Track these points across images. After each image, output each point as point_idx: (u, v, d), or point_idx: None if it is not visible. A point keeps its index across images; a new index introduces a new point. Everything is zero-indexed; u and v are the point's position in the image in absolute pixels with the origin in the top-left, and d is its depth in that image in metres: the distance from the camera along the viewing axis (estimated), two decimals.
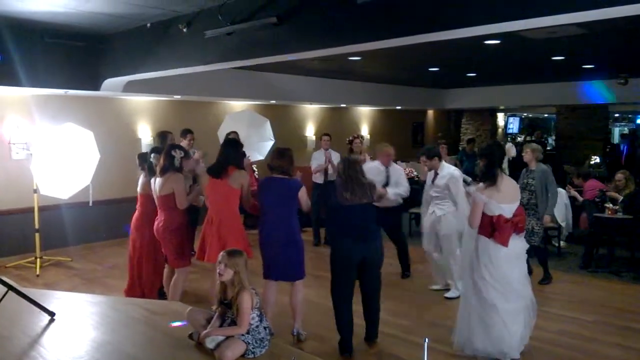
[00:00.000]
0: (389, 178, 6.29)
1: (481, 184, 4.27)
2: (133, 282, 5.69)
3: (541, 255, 6.47)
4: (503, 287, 4.19)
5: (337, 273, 4.41)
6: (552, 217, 6.31)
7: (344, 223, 4.37)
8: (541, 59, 8.65)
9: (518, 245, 4.31)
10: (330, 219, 4.59)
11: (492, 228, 4.19)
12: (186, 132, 7.34)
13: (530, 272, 6.48)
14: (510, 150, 4.71)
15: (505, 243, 4.18)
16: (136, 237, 5.63)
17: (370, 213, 4.41)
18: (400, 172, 6.44)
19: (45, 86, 6.62)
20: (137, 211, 5.71)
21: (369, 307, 4.55)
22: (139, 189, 5.67)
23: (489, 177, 4.23)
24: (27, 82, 6.23)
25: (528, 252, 4.49)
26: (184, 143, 6.99)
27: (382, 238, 4.54)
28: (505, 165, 4.47)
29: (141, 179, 5.65)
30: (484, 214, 4.23)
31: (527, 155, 6.46)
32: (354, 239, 4.31)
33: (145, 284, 5.63)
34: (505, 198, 4.20)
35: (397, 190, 6.20)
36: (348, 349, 4.40)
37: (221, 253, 3.47)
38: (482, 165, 4.39)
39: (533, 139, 16.06)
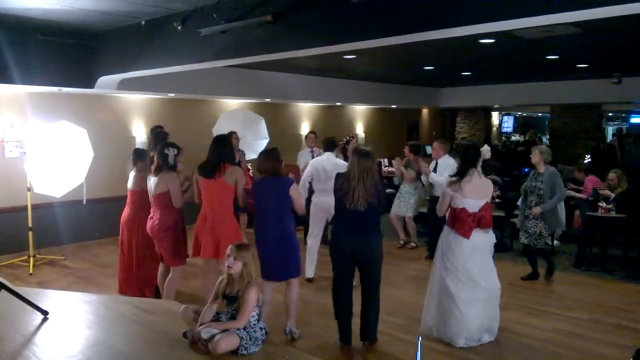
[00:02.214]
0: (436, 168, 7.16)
1: (450, 179, 4.60)
2: (126, 280, 5.68)
3: (545, 255, 6.66)
4: (463, 277, 4.47)
5: (332, 262, 4.44)
6: (543, 212, 6.19)
7: (343, 214, 4.32)
8: (535, 58, 8.68)
9: (482, 239, 4.55)
10: (335, 210, 4.50)
11: (455, 219, 4.50)
12: None
13: (536, 276, 6.53)
14: (486, 153, 4.86)
15: (465, 235, 4.47)
16: (131, 236, 5.60)
17: (372, 208, 4.23)
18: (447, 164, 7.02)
19: (38, 84, 6.59)
20: (127, 209, 5.66)
21: (366, 305, 4.45)
22: (129, 185, 5.62)
23: (457, 174, 4.58)
24: (20, 79, 6.19)
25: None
26: None
27: (381, 234, 4.44)
28: (479, 166, 4.67)
29: (132, 175, 5.61)
30: (450, 206, 4.57)
31: (535, 157, 6.34)
32: (347, 230, 4.29)
33: (144, 282, 5.62)
34: (471, 193, 4.48)
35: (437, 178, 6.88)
36: (347, 338, 4.39)
37: (229, 246, 3.47)
38: (458, 163, 4.76)
39: (526, 138, 16.11)
